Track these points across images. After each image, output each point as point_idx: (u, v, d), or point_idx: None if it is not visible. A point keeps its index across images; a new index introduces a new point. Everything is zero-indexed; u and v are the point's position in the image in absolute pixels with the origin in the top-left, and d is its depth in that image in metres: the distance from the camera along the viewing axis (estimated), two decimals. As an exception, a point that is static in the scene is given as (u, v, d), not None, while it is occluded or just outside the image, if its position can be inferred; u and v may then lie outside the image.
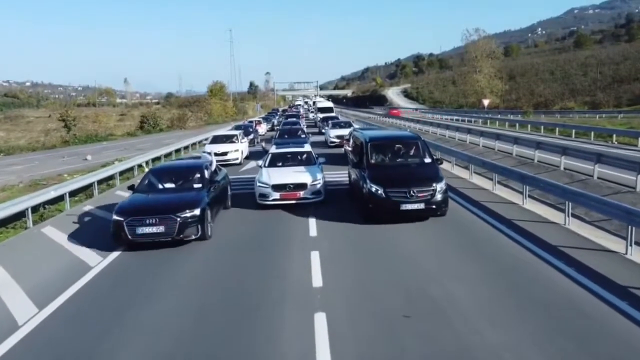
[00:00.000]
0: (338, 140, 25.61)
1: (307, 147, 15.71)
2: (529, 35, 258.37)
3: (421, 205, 10.40)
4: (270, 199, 12.60)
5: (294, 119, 40.63)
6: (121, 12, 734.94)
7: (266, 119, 49.00)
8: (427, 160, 11.92)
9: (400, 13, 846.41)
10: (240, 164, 21.66)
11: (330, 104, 54.32)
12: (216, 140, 23.32)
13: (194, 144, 31.05)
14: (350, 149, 15.62)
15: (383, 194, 10.56)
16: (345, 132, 25.28)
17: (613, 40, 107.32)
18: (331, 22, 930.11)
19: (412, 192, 10.41)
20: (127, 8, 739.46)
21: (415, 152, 12.22)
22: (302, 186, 12.64)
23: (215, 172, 12.44)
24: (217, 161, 19.93)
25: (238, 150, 22.12)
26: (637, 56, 70.35)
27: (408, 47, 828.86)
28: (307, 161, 14.45)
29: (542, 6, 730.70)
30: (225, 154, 21.21)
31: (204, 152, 20.43)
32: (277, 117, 55.63)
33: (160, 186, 11.20)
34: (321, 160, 14.76)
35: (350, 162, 14.25)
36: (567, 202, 10.35)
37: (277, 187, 12.55)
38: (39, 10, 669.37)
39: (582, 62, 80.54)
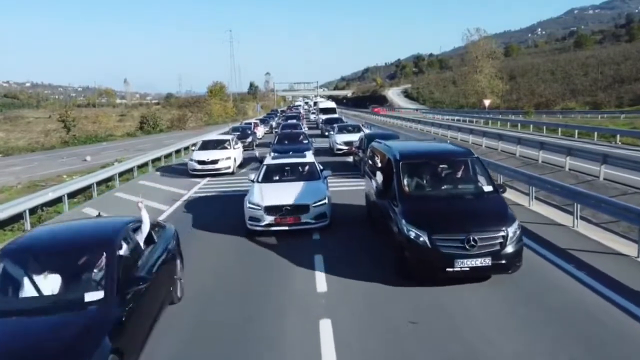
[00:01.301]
0: (346, 148, 22.55)
1: (310, 157, 13.26)
2: (529, 35, 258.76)
3: (486, 261, 6.94)
4: (263, 223, 10.07)
5: (294, 121, 38.64)
6: (121, 13, 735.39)
7: (264, 121, 46.68)
8: (487, 187, 8.16)
9: (400, 13, 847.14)
10: (232, 173, 19.39)
11: (332, 105, 51.11)
12: (206, 146, 20.53)
13: (195, 144, 30.53)
14: (368, 163, 11.89)
15: (427, 243, 7.00)
16: (354, 137, 22.13)
17: (613, 41, 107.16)
18: (331, 23, 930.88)
19: (472, 239, 6.89)
20: (127, 9, 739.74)
21: (468, 176, 8.57)
22: (302, 208, 10.12)
23: (138, 254, 5.98)
24: (207, 170, 18.77)
25: (230, 157, 19.57)
26: (637, 56, 70.12)
27: (408, 48, 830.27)
28: (309, 175, 11.95)
29: (542, 6, 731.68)
30: (215, 162, 18.93)
31: (191, 159, 19.30)
32: (276, 119, 53.52)
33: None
34: (327, 173, 12.24)
35: (373, 185, 10.18)
36: (575, 204, 10.15)
37: (271, 210, 10.02)
38: (39, 11, 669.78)
39: (583, 62, 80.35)
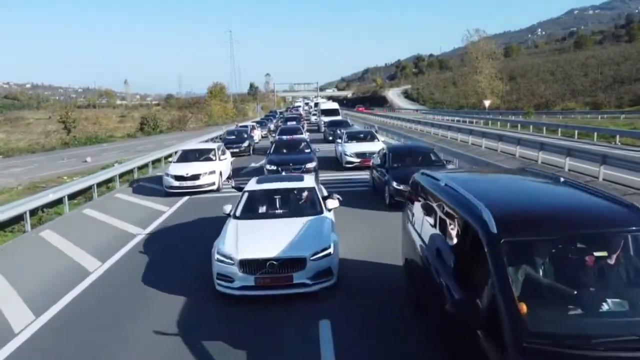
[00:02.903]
0: (358, 160, 18.68)
1: (309, 181, 9.53)
2: (529, 35, 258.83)
3: None
4: (237, 285, 6.91)
5: (294, 124, 35.39)
6: (121, 14, 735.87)
7: (262, 123, 43.35)
8: None
9: (400, 14, 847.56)
10: (217, 190, 15.91)
11: (335, 106, 45.90)
12: (186, 157, 16.96)
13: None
14: (410, 211, 6.84)
15: None
16: (369, 148, 18.66)
17: (613, 41, 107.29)
18: (331, 23, 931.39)
19: None
20: (127, 9, 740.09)
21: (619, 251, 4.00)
22: (296, 263, 6.88)
23: None
24: (186, 188, 15.14)
25: (215, 171, 16.00)
26: (637, 57, 70.20)
27: (408, 48, 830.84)
28: (308, 207, 8.66)
29: (542, 7, 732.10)
30: (196, 177, 15.42)
31: (167, 174, 15.73)
32: (274, 120, 50.34)
33: None
34: (333, 204, 8.73)
35: (421, 253, 5.82)
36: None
37: (249, 265, 6.84)
38: (39, 11, 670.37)
39: (583, 63, 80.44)
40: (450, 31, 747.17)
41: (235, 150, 24.68)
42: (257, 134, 34.28)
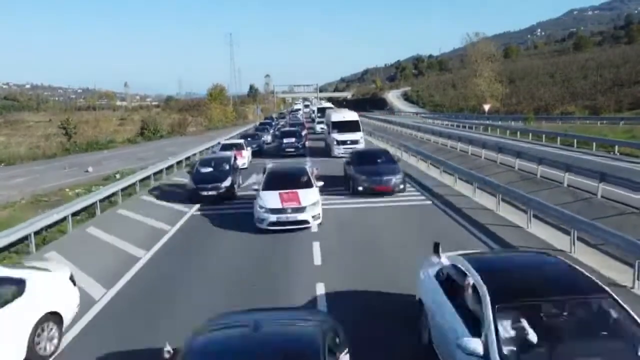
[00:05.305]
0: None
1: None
2: (529, 36, 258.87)
3: None
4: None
5: (292, 141, 29.52)
6: (121, 14, 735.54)
7: (254, 137, 33.14)
8: None
9: (399, 14, 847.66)
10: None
11: (353, 116, 29.75)
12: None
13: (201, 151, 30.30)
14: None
15: None
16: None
17: (613, 42, 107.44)
18: (331, 24, 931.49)
19: None
20: (127, 10, 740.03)
21: None
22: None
23: None
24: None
25: None
26: (637, 59, 70.26)
27: (407, 49, 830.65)
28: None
29: (541, 7, 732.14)
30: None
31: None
32: (271, 130, 42.60)
33: None
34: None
35: None
36: (572, 230, 10.33)
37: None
38: (39, 12, 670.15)
39: (582, 65, 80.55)
40: (450, 31, 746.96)
41: (210, 193, 16.61)
42: (245, 156, 24.86)
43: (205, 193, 16.71)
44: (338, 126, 28.42)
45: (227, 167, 18.31)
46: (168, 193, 19.57)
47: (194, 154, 29.66)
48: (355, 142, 26.85)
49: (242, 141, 28.05)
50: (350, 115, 30.49)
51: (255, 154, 28.83)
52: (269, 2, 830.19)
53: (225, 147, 25.25)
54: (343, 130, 27.88)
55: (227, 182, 17.15)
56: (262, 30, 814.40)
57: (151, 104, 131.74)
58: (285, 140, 30.32)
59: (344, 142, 26.91)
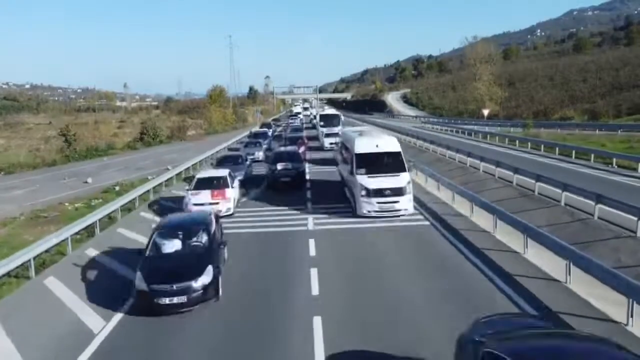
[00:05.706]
0: None
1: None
2: (528, 36, 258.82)
3: None
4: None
5: (290, 167, 22.42)
6: (121, 15, 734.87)
7: (244, 160, 25.76)
8: None
9: (399, 14, 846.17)
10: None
11: (395, 146, 18.15)
12: None
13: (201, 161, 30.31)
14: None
15: None
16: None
17: (612, 44, 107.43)
18: (330, 24, 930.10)
19: None
20: (127, 10, 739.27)
21: None
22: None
23: None
24: None
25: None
26: (636, 62, 70.30)
27: (407, 49, 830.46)
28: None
29: (541, 7, 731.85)
30: None
31: None
32: (265, 143, 36.28)
33: None
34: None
35: None
36: (568, 262, 10.40)
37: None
38: (39, 12, 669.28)
39: (582, 68, 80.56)
40: (450, 32, 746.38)
41: (175, 302, 9.40)
42: (232, 196, 17.95)
43: (163, 301, 9.41)
44: (368, 163, 16.85)
45: (204, 238, 10.86)
46: (167, 209, 19.55)
47: (194, 164, 29.71)
48: (398, 192, 15.94)
49: (225, 173, 19.12)
50: (390, 144, 18.07)
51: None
52: (269, 3, 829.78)
53: (200, 185, 18.02)
54: (378, 170, 16.59)
55: (204, 277, 9.74)
56: (262, 31, 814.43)
57: (151, 104, 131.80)
58: (279, 166, 22.63)
59: (379, 193, 15.89)
